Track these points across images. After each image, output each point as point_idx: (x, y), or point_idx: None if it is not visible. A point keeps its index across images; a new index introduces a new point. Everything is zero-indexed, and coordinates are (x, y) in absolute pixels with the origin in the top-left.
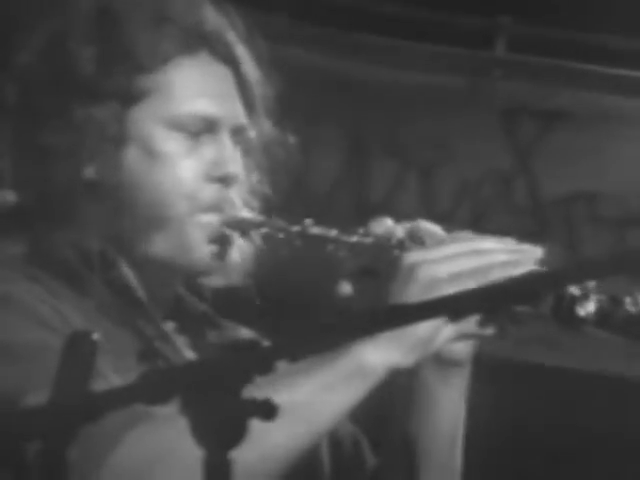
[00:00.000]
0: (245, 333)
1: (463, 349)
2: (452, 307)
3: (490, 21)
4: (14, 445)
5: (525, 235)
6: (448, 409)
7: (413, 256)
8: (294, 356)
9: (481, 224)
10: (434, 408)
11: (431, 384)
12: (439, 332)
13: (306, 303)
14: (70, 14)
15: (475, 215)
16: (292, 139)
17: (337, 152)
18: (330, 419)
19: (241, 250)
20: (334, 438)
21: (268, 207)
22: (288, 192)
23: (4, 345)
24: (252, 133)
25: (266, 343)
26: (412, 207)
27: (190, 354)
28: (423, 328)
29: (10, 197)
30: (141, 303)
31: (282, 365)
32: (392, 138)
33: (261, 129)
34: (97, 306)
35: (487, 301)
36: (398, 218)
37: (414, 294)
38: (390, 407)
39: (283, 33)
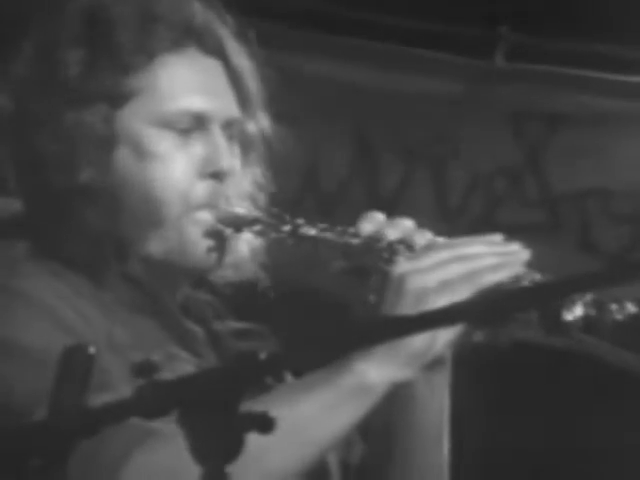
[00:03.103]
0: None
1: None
2: (447, 319)
3: (490, 31)
4: (13, 461)
5: (538, 229)
6: (431, 407)
7: (402, 266)
8: (293, 365)
9: (493, 218)
10: (417, 406)
11: (412, 383)
12: (436, 341)
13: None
14: (58, 19)
15: (487, 209)
16: (289, 133)
17: (345, 149)
18: (332, 438)
19: (250, 243)
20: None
21: (273, 201)
22: (298, 186)
23: (14, 344)
24: (251, 126)
25: (268, 334)
26: (423, 201)
27: (209, 348)
28: (420, 339)
29: (14, 205)
30: (157, 296)
31: (281, 385)
32: (398, 138)
33: (259, 122)
34: (118, 300)
35: (482, 313)
36: (409, 212)
37: (406, 305)
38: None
39: (287, 41)
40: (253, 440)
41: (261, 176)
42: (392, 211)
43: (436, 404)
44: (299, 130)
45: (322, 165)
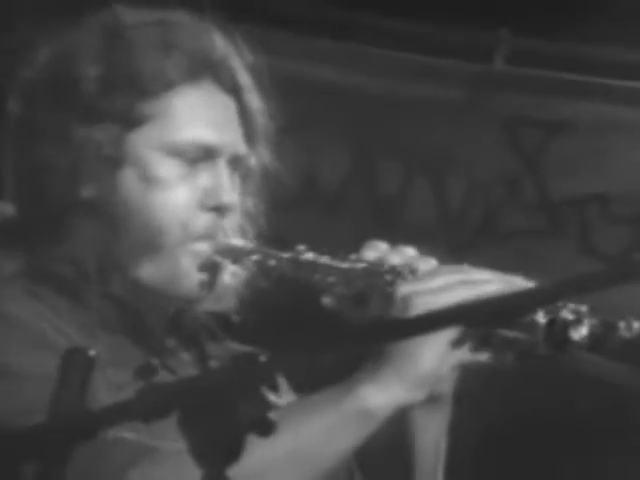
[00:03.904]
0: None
1: (446, 384)
2: (450, 319)
3: (489, 34)
4: (11, 465)
5: (538, 234)
6: (429, 443)
7: (406, 287)
8: (294, 369)
9: (493, 224)
10: (415, 441)
11: (414, 418)
12: (444, 363)
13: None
14: (79, 33)
15: (487, 215)
16: (286, 172)
17: (343, 155)
18: (333, 460)
19: (234, 275)
20: None
21: (261, 232)
22: (297, 193)
23: (5, 368)
24: (252, 160)
25: (263, 357)
26: (423, 208)
27: (193, 368)
28: (428, 362)
29: (8, 209)
30: (140, 317)
31: (286, 405)
32: (396, 143)
33: (261, 158)
34: (98, 321)
35: (484, 314)
36: (410, 216)
37: None
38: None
39: (286, 47)
40: (254, 458)
41: (253, 207)
42: (392, 218)
43: (433, 442)
44: (297, 136)
45: (321, 172)
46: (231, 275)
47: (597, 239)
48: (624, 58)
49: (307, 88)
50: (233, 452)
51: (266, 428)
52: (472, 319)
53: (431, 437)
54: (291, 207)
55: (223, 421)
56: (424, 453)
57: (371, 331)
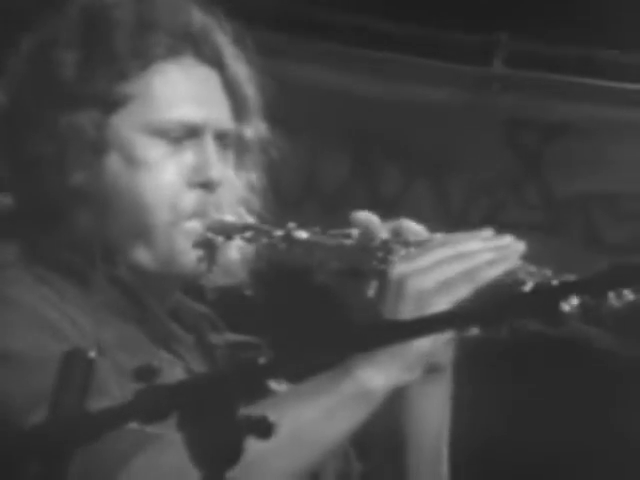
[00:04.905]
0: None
1: (443, 354)
2: (450, 322)
3: (488, 37)
4: (12, 466)
5: (539, 234)
6: (431, 415)
7: (400, 268)
8: (292, 369)
9: (496, 222)
10: (417, 415)
11: (413, 391)
12: (438, 341)
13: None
14: (58, 19)
15: (488, 216)
16: (286, 141)
17: (344, 157)
18: (333, 443)
19: (241, 249)
20: None
21: (267, 206)
22: (299, 192)
23: (8, 352)
24: (248, 132)
25: (265, 347)
26: (424, 209)
27: (200, 355)
28: (423, 340)
29: (7, 200)
30: (145, 301)
31: (284, 389)
32: (396, 145)
33: (255, 128)
34: (103, 304)
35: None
36: (410, 217)
37: (407, 307)
38: (374, 415)
39: (287, 50)
40: (253, 443)
41: (256, 180)
42: (392, 219)
43: (434, 416)
44: (298, 138)
45: (322, 173)
46: (238, 249)
47: (602, 233)
48: (622, 60)
49: (308, 91)
50: (232, 454)
51: (265, 430)
52: (469, 322)
53: (434, 405)
54: (291, 208)
55: (222, 423)
56: (427, 423)
57: (371, 334)
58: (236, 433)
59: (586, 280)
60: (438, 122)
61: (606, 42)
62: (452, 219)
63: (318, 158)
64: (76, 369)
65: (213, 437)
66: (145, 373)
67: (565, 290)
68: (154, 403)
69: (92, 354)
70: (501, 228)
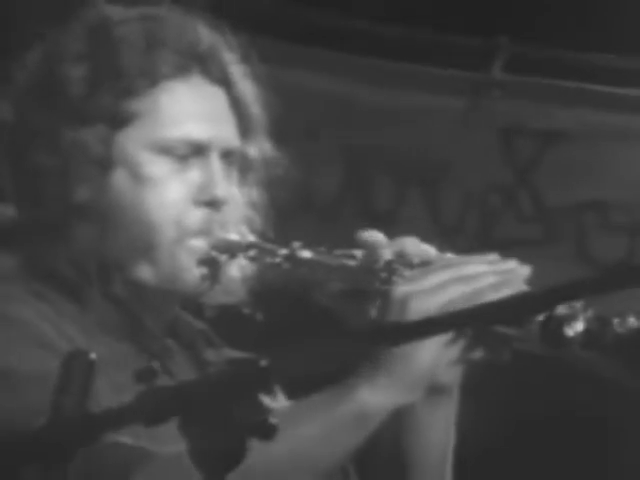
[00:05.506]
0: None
1: (450, 375)
2: (448, 325)
3: (487, 42)
4: (13, 468)
5: (534, 243)
6: (436, 436)
7: (403, 289)
8: (292, 375)
9: (490, 235)
10: (421, 436)
11: (419, 412)
12: (438, 362)
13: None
14: (65, 34)
15: (483, 225)
16: (288, 159)
17: (336, 166)
18: (330, 462)
19: (242, 267)
20: None
21: (267, 224)
22: (293, 205)
23: (6, 369)
24: (252, 150)
25: (264, 362)
26: (417, 219)
27: (192, 372)
28: (424, 361)
29: (9, 211)
30: (140, 319)
31: (284, 408)
32: (391, 153)
33: (260, 146)
34: (98, 321)
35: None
36: (404, 227)
37: None
38: (378, 432)
39: (283, 56)
40: (252, 460)
41: (258, 197)
42: (387, 229)
43: (439, 437)
44: (290, 147)
45: (316, 184)
46: (239, 268)
47: (594, 247)
48: (622, 66)
49: (303, 98)
50: (234, 457)
51: (267, 432)
52: (468, 324)
53: (438, 428)
54: (286, 219)
55: (224, 425)
56: (431, 445)
57: (370, 337)
58: (238, 435)
59: (591, 280)
60: (435, 129)
61: (605, 48)
62: (446, 229)
63: (312, 169)
64: (77, 370)
65: (215, 439)
66: (145, 374)
67: (570, 291)
68: (155, 405)
69: (93, 355)
70: (495, 242)
